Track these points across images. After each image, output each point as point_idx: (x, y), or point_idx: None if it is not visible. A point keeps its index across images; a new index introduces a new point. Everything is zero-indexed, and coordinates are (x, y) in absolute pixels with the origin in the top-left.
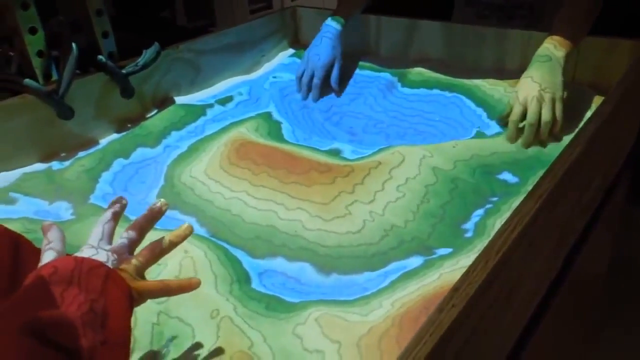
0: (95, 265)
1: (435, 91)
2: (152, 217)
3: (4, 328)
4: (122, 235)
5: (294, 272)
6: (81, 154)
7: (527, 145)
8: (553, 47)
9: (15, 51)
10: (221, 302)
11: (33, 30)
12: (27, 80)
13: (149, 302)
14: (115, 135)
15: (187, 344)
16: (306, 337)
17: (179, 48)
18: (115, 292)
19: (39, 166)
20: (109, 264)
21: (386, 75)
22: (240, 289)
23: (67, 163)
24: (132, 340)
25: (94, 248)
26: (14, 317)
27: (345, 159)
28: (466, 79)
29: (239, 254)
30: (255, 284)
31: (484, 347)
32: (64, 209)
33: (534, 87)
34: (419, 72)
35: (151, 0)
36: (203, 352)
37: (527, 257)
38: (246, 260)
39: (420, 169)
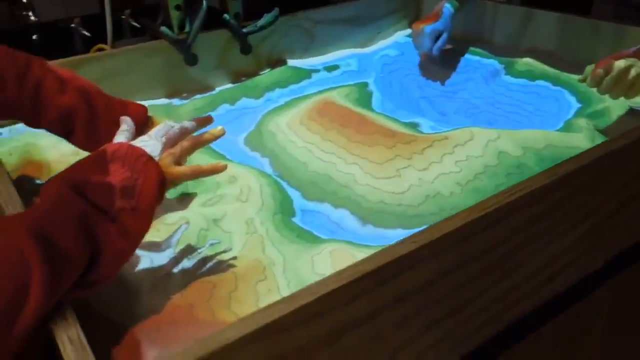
0: (142, 154)
1: (539, 82)
2: (208, 139)
3: (62, 180)
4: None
5: (335, 217)
6: (197, 96)
7: (603, 91)
8: None
9: (161, 5)
10: (258, 224)
11: None
12: (163, 28)
13: (204, 212)
14: (229, 85)
15: (220, 249)
16: (317, 263)
17: (297, 16)
18: (151, 175)
19: (163, 100)
20: (155, 154)
21: (494, 62)
22: (281, 219)
23: (184, 102)
24: (181, 235)
25: (151, 139)
26: (72, 174)
27: (419, 131)
28: (575, 73)
29: (293, 193)
30: (296, 219)
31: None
32: None
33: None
34: (527, 62)
35: None
36: (227, 256)
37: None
38: (297, 200)
39: (485, 150)
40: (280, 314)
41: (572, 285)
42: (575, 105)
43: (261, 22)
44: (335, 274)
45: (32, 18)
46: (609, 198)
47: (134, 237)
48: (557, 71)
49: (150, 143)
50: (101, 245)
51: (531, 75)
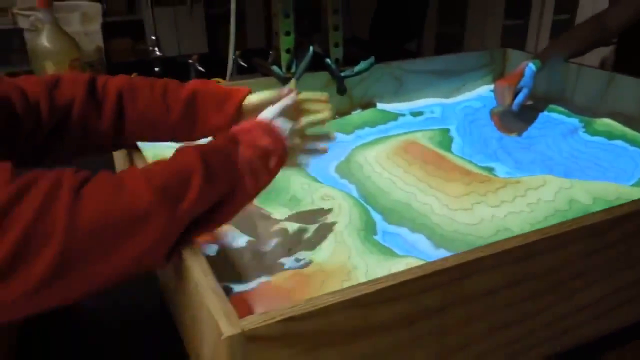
0: (277, 129)
1: (617, 142)
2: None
3: (230, 137)
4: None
5: (411, 240)
6: None
7: None
8: None
9: (273, 48)
10: (346, 236)
11: (287, 33)
12: (273, 67)
13: (302, 220)
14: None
15: (313, 251)
16: (394, 271)
17: (391, 65)
18: (281, 146)
19: None
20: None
21: (574, 121)
22: (365, 236)
23: None
24: (282, 236)
25: (279, 116)
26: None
27: (494, 174)
28: None
29: (376, 216)
30: (377, 237)
31: None
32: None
33: None
34: (607, 122)
35: (401, 32)
36: (318, 258)
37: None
38: (380, 222)
39: (557, 195)
40: (365, 292)
41: (630, 324)
42: None
43: (358, 67)
44: (414, 268)
45: (157, 53)
46: None
47: (259, 189)
48: (636, 133)
49: (280, 119)
50: (236, 184)
51: (609, 135)
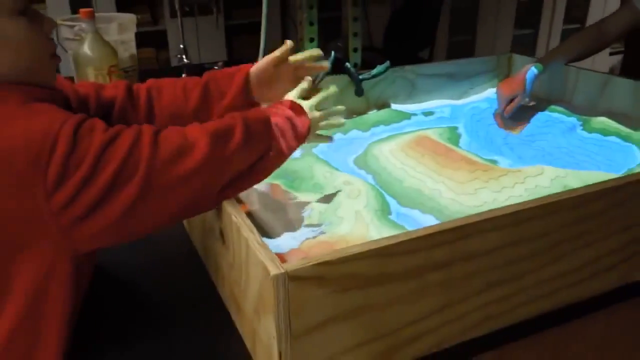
0: (300, 108)
1: (611, 138)
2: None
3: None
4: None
5: (422, 220)
6: None
7: None
8: None
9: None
10: (365, 214)
11: (311, 40)
12: None
13: (327, 200)
14: (341, 120)
15: (336, 225)
16: None
17: (405, 68)
18: (303, 121)
19: None
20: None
21: (572, 119)
22: (381, 215)
23: None
24: (311, 212)
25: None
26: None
27: (497, 165)
28: None
29: (390, 200)
30: (392, 217)
31: None
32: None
33: None
34: (602, 120)
35: (413, 41)
36: (341, 231)
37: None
38: (393, 205)
39: (553, 182)
40: (384, 244)
41: (614, 288)
42: None
43: (374, 71)
44: (424, 228)
45: (185, 60)
46: None
47: (290, 151)
48: (630, 130)
49: (299, 100)
50: (270, 143)
51: (604, 132)
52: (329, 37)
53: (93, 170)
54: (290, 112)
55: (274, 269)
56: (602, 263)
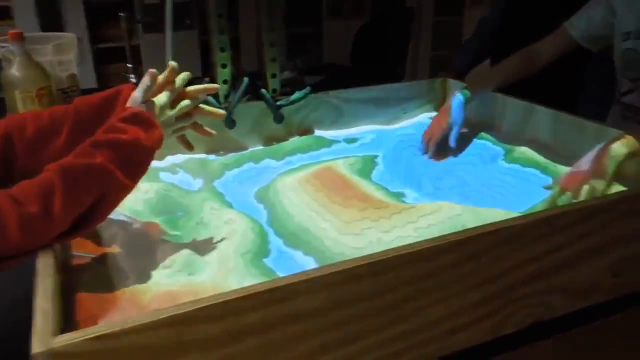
0: (148, 119)
1: (529, 169)
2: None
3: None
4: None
5: (302, 262)
6: (230, 154)
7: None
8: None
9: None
10: (231, 258)
11: (224, 66)
12: (209, 97)
13: (196, 242)
14: (259, 147)
15: (196, 274)
16: None
17: (329, 94)
18: (150, 136)
19: (201, 155)
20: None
21: (498, 148)
22: (253, 258)
23: (218, 157)
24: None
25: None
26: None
27: (401, 201)
28: (564, 164)
29: (275, 240)
30: (269, 259)
31: None
32: (196, 184)
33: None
34: (523, 151)
35: (382, 57)
36: (198, 277)
37: None
38: (277, 246)
39: (449, 221)
40: (183, 310)
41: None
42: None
43: (293, 97)
44: (236, 290)
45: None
46: (507, 271)
47: (139, 174)
48: (548, 161)
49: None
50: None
51: (524, 163)
52: (291, 55)
53: None
54: (133, 132)
55: (37, 345)
56: (451, 322)
